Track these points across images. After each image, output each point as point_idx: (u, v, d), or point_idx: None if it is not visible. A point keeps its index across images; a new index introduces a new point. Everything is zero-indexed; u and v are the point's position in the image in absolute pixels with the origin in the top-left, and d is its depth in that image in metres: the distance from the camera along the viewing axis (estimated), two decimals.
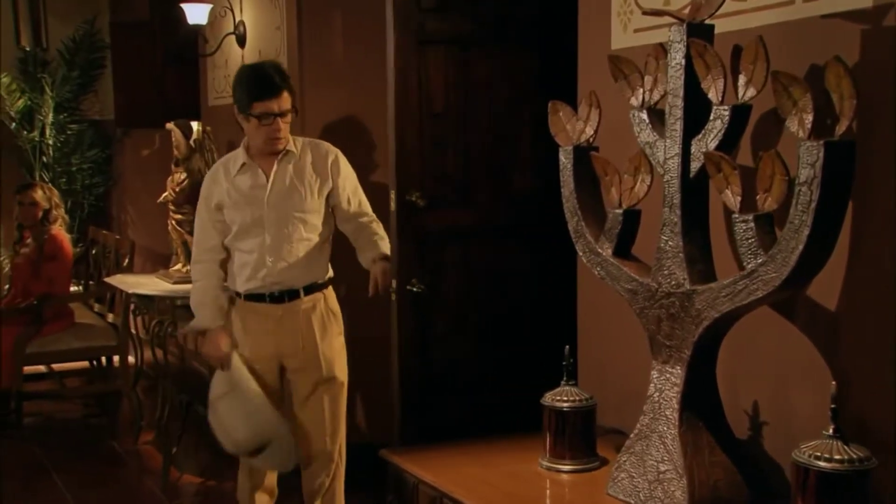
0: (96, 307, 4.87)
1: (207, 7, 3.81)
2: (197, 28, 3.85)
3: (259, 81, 2.33)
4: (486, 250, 2.55)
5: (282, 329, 2.40)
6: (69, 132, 5.58)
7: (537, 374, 2.66)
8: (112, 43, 5.34)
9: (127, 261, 4.47)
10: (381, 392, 3.38)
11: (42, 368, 4.71)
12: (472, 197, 2.58)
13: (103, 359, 4.79)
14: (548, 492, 1.78)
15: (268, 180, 2.39)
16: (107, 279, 4.12)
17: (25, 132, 5.53)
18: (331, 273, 2.52)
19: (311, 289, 2.43)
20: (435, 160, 2.56)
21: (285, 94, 2.34)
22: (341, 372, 2.49)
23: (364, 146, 3.43)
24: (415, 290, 2.45)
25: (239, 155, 2.42)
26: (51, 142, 5.52)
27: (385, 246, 2.47)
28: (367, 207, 2.56)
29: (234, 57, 3.97)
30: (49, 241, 4.37)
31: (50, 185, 4.69)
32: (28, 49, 5.55)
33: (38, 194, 4.41)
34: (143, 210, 5.68)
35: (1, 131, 5.54)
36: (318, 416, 2.44)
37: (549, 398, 1.88)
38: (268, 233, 2.36)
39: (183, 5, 3.77)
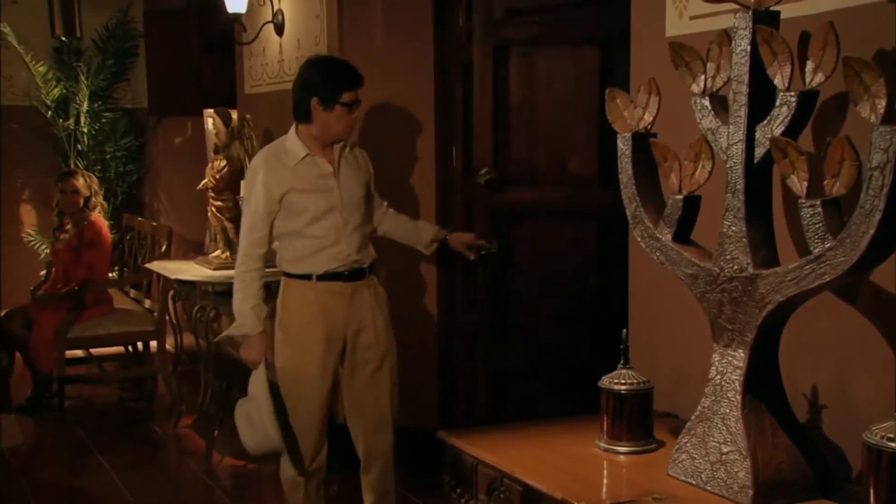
0: (132, 293, 4.95)
1: None
2: (235, 17, 3.87)
3: (347, 71, 2.51)
4: (544, 226, 2.79)
5: (353, 305, 2.58)
6: (104, 120, 5.64)
7: (582, 337, 2.78)
8: (146, 31, 5.40)
9: (164, 247, 4.54)
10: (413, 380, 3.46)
11: (79, 353, 4.80)
12: (535, 179, 2.81)
13: (139, 344, 4.88)
14: (608, 472, 1.81)
15: (334, 170, 2.54)
16: (148, 265, 4.19)
17: (61, 120, 5.60)
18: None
19: (372, 267, 2.64)
20: (503, 146, 2.84)
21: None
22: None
23: (405, 135, 3.46)
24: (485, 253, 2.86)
25: (296, 146, 2.53)
26: (85, 130, 5.59)
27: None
28: None
29: (272, 45, 4.00)
30: (89, 227, 4.46)
31: (90, 173, 4.75)
32: (63, 39, 5.62)
33: (80, 182, 4.49)
34: (174, 197, 5.75)
35: (37, 119, 5.63)
36: (385, 386, 2.64)
37: (606, 381, 1.90)
38: (342, 218, 2.54)
39: None
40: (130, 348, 4.92)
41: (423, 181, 3.48)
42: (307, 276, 2.54)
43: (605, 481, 1.79)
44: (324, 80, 2.48)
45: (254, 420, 2.48)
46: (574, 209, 2.65)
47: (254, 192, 2.51)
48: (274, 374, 2.57)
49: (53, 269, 4.61)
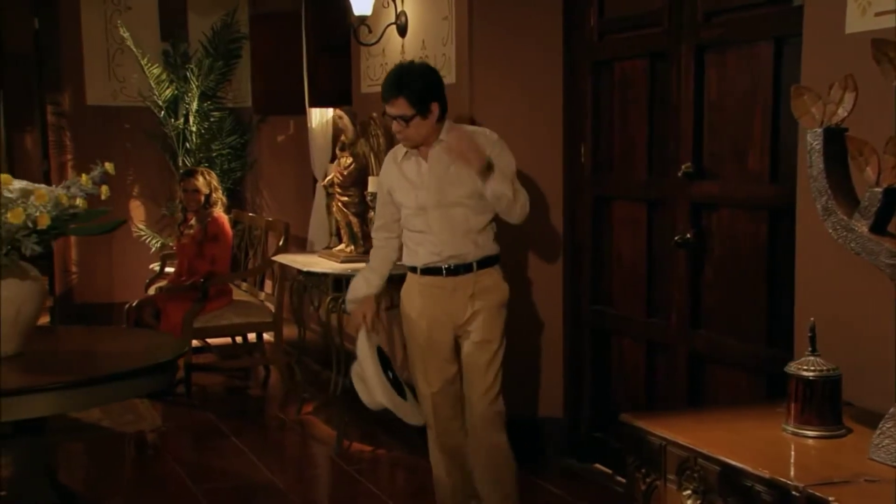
0: (243, 286, 5.15)
1: None
2: (361, 18, 4.01)
3: (385, 82, 2.56)
4: (726, 217, 2.88)
5: (454, 300, 2.63)
6: (212, 119, 5.87)
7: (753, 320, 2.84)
8: (251, 34, 5.59)
9: (282, 241, 4.71)
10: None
11: (196, 343, 5.01)
12: (719, 172, 2.90)
13: (251, 335, 5.08)
14: (804, 455, 1.86)
15: (429, 168, 2.61)
16: (274, 258, 4.36)
17: (172, 120, 5.84)
18: (498, 249, 2.72)
19: (483, 263, 2.65)
20: (695, 142, 2.95)
21: (401, 100, 2.51)
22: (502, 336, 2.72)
23: (533, 133, 3.52)
24: (680, 241, 2.96)
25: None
26: (194, 129, 5.82)
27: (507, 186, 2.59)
28: (518, 184, 2.69)
29: (393, 46, 4.13)
30: (212, 223, 4.66)
31: (209, 170, 4.96)
32: (172, 42, 5.87)
33: (200, 181, 4.70)
34: (276, 193, 5.95)
35: (148, 119, 5.88)
36: (488, 384, 2.66)
37: (793, 367, 1.96)
38: (432, 215, 2.60)
39: None
40: (239, 338, 5.13)
41: (550, 179, 3.56)
42: (414, 269, 2.69)
43: (804, 463, 1.85)
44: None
45: (364, 380, 2.67)
46: (750, 202, 2.77)
47: (380, 185, 2.79)
48: (377, 338, 2.75)
49: (178, 262, 4.83)
